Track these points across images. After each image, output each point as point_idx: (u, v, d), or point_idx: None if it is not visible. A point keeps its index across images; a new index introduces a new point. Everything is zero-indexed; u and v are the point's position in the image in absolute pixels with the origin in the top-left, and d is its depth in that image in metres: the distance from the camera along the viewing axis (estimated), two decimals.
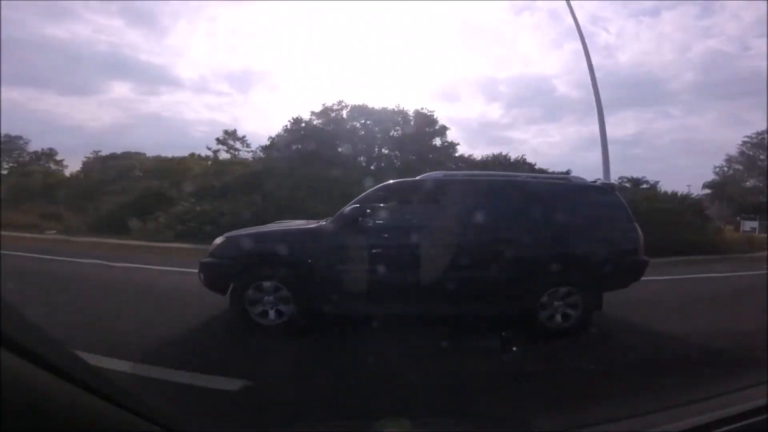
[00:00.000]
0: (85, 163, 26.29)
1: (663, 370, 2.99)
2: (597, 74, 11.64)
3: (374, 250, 3.80)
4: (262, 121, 46.82)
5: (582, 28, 11.56)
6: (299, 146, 18.65)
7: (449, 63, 52.51)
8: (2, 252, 7.30)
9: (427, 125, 19.95)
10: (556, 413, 2.30)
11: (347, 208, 3.95)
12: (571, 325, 3.82)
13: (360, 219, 3.91)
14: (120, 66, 44.15)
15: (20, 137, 30.26)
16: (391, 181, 4.50)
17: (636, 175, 22.54)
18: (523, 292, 3.81)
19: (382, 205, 4.25)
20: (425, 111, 20.12)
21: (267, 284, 3.71)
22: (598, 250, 3.99)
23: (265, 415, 2.34)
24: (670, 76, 48.00)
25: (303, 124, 19.80)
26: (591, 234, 4.07)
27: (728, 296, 5.88)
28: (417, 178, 4.47)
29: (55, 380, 0.63)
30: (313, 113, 20.28)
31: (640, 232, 4.16)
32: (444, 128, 20.33)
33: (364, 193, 4.23)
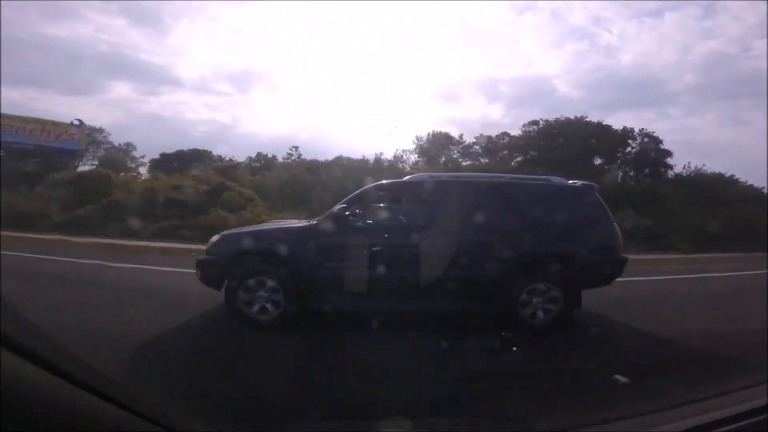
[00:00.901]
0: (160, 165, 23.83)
1: (662, 370, 2.99)
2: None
3: (360, 248, 3.91)
4: (262, 122, 46.87)
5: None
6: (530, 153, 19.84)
7: (450, 63, 52.50)
8: None
9: (654, 147, 20.36)
10: (556, 413, 2.30)
11: (335, 208, 4.07)
12: (551, 322, 3.90)
13: (347, 218, 4.05)
14: (121, 66, 44.10)
15: (102, 129, 26.54)
16: (380, 182, 4.60)
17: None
18: (503, 289, 3.91)
19: (369, 204, 4.38)
20: (650, 132, 20.71)
21: (260, 280, 3.84)
22: (577, 249, 4.08)
23: (265, 415, 2.34)
24: (671, 77, 47.95)
25: (534, 130, 20.78)
26: (571, 233, 4.16)
27: None
28: (404, 179, 4.58)
29: (55, 380, 0.63)
30: (525, 125, 21.41)
31: (618, 231, 4.26)
32: (668, 152, 20.54)
33: (352, 194, 4.33)
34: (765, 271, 7.12)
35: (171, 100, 47.12)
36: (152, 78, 48.49)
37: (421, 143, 24.03)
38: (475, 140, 23.87)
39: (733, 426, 1.13)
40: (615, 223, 4.27)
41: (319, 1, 51.90)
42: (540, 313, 3.91)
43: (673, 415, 1.39)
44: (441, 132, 25.05)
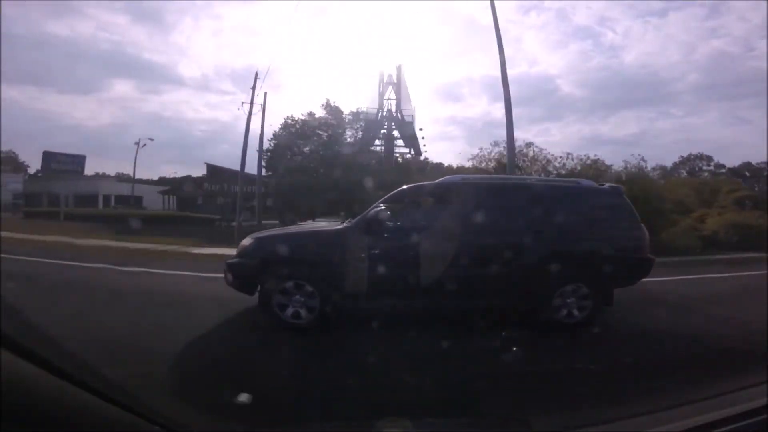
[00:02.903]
0: None
1: (663, 370, 2.99)
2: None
3: (398, 250, 3.93)
4: (258, 120, 46.87)
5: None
6: None
7: (454, 62, 52.57)
8: None
9: None
10: (556, 413, 2.30)
11: (373, 210, 4.02)
12: (583, 320, 3.98)
13: (384, 220, 4.01)
14: (122, 64, 44.17)
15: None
16: (412, 185, 4.60)
17: None
18: (538, 288, 3.96)
19: (404, 206, 4.42)
20: None
21: (296, 284, 3.77)
22: (608, 249, 4.14)
23: (266, 414, 2.34)
24: (674, 77, 48.02)
25: None
26: (601, 234, 4.22)
27: None
28: (436, 181, 4.59)
29: (56, 380, 0.63)
30: None
31: (646, 232, 4.35)
32: None
33: (387, 195, 4.35)
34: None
35: (172, 99, 47.20)
36: (154, 76, 48.60)
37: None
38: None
39: (733, 426, 1.13)
40: (642, 225, 4.37)
41: (323, 0, 52.04)
42: (573, 312, 3.98)
43: (673, 415, 1.39)
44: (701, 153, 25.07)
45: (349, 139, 26.49)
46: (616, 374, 2.99)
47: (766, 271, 6.97)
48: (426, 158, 31.13)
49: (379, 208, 4.04)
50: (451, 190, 4.41)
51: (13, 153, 42.39)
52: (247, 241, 4.16)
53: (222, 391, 2.50)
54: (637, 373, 2.94)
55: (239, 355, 3.32)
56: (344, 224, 4.28)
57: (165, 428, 0.84)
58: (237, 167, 18.01)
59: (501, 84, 10.55)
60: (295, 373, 2.95)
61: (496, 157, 13.98)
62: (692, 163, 43.10)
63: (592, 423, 1.69)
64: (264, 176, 22.30)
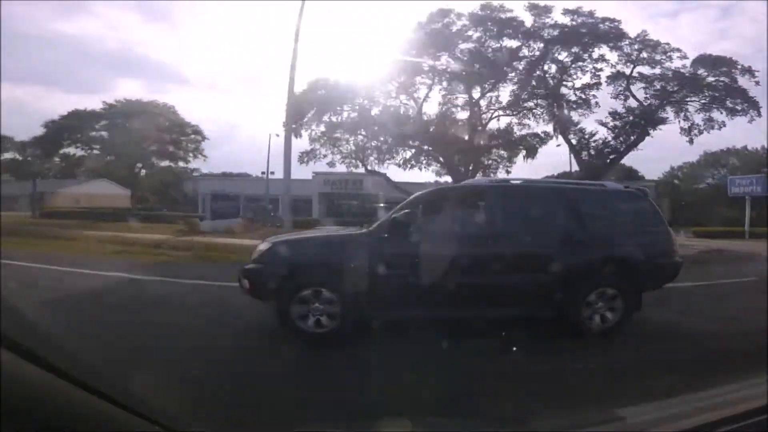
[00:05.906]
0: None
1: (663, 370, 2.99)
2: None
3: (422, 255, 3.76)
4: (267, 120, 46.85)
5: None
6: None
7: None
8: None
9: None
10: (556, 413, 2.30)
11: (397, 214, 3.89)
12: (612, 326, 3.90)
13: (407, 224, 3.86)
14: (129, 63, 43.83)
15: None
16: (437, 188, 4.56)
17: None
18: (567, 294, 3.86)
19: (427, 210, 4.31)
20: None
21: (316, 291, 3.61)
22: (636, 253, 4.08)
23: (266, 415, 2.34)
24: None
25: None
26: (629, 238, 4.18)
27: None
28: (461, 183, 4.54)
29: (55, 380, 0.63)
30: None
31: (673, 234, 4.36)
32: None
33: (410, 198, 4.27)
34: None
35: (178, 99, 47.06)
36: (161, 76, 48.46)
37: None
38: None
39: (733, 426, 1.13)
40: (669, 227, 4.35)
41: (333, 0, 51.79)
42: (602, 317, 3.90)
43: (673, 415, 1.39)
44: None
45: None
46: (616, 374, 2.99)
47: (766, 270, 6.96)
48: None
49: (401, 212, 3.88)
50: (478, 193, 4.34)
51: None
52: (263, 246, 4.00)
53: (223, 392, 2.51)
54: (636, 373, 2.95)
55: (242, 355, 3.33)
56: (365, 228, 4.12)
57: (166, 428, 0.84)
58: None
59: None
60: (297, 374, 2.95)
61: None
62: None
63: (592, 423, 1.68)
64: None
